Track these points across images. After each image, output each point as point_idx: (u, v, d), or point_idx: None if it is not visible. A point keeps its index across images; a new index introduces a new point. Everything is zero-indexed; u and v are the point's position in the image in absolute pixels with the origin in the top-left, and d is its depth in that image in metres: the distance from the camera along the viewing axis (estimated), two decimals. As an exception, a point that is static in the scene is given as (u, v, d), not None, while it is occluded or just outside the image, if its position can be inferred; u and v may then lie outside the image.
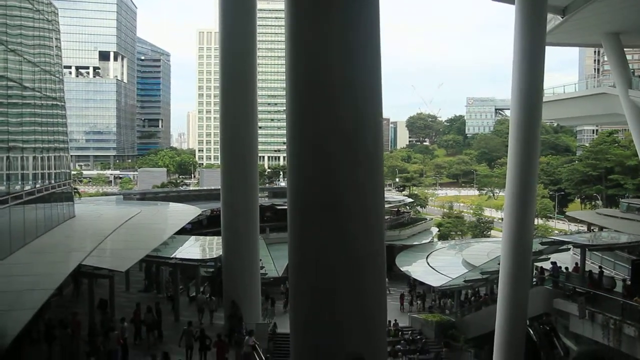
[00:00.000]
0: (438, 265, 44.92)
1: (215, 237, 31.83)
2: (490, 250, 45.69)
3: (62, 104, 29.12)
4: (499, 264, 26.88)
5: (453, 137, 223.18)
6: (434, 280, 40.32)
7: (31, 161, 23.59)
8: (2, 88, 19.90)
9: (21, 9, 22.71)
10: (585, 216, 51.68)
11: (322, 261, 9.73)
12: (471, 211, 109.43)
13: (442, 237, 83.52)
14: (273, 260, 39.26)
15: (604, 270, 27.95)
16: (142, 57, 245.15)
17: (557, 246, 30.09)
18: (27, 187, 22.68)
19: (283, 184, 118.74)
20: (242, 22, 23.47)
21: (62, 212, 27.63)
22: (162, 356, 16.70)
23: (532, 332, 28.24)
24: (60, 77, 28.85)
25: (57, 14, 28.78)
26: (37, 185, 24.09)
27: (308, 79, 9.87)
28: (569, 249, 33.44)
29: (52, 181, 26.67)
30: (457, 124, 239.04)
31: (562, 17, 35.93)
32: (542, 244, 29.51)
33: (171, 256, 26.67)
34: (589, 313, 23.35)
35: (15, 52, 21.36)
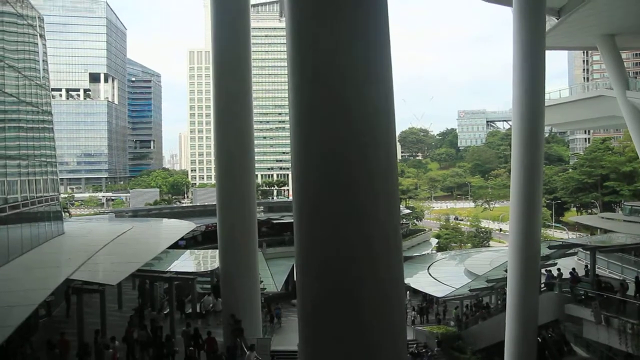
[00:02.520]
0: (440, 276, 44.01)
1: (210, 250, 30.87)
2: (493, 259, 45.01)
3: (49, 114, 28.11)
4: (505, 271, 26.06)
5: (446, 150, 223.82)
6: (437, 290, 39.37)
7: (15, 173, 22.53)
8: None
9: (2, 13, 21.82)
10: (589, 221, 51.06)
11: (335, 283, 8.78)
12: (468, 223, 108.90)
13: (441, 248, 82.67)
14: (272, 274, 38.17)
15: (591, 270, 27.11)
16: (133, 79, 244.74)
17: (565, 250, 29.20)
18: (11, 201, 21.56)
19: (276, 199, 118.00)
20: (236, 39, 22.75)
21: (50, 228, 26.50)
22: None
23: (540, 340, 27.29)
24: (47, 86, 27.91)
25: (43, 20, 27.95)
26: (23, 199, 22.99)
27: (313, 92, 9.06)
28: (575, 253, 32.60)
29: (39, 195, 25.57)
30: (449, 137, 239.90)
31: (557, 19, 35.65)
32: (550, 247, 28.58)
33: (165, 270, 25.61)
34: (605, 318, 22.38)
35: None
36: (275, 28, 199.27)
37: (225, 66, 22.62)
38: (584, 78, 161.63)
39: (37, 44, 26.90)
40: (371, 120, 8.73)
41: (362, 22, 8.57)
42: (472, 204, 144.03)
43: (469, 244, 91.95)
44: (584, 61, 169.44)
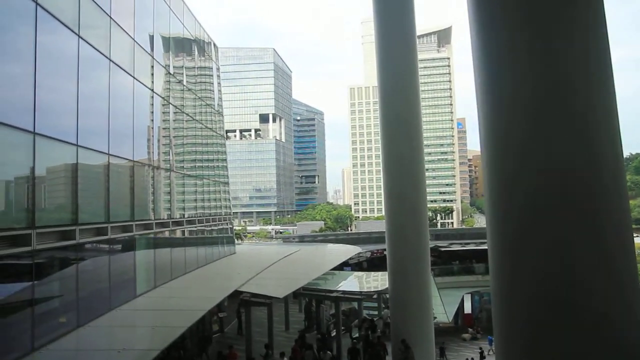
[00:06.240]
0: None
1: (373, 273, 29.75)
2: None
3: (222, 137, 29.49)
4: None
5: (630, 177, 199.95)
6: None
7: (192, 189, 23.58)
8: (170, 115, 20.10)
9: (184, 42, 23.34)
10: None
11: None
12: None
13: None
14: (443, 303, 35.63)
15: None
16: (298, 118, 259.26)
17: None
18: (188, 218, 22.43)
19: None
20: (402, 68, 22.17)
21: (222, 248, 27.38)
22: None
23: None
24: (220, 110, 29.34)
25: (217, 50, 29.68)
26: (199, 217, 23.90)
27: (516, 104, 7.76)
28: None
29: (214, 214, 26.57)
30: (634, 163, 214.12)
31: None
32: None
33: (332, 289, 24.84)
34: None
35: (180, 83, 21.72)
36: (433, 59, 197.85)
37: (393, 96, 22.12)
38: None
39: (213, 89, 28.62)
40: (594, 130, 7.20)
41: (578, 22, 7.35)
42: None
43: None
44: None
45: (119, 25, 14.93)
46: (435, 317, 31.37)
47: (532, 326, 7.21)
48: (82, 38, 12.43)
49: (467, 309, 50.23)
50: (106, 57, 13.93)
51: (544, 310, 7.07)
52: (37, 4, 10.43)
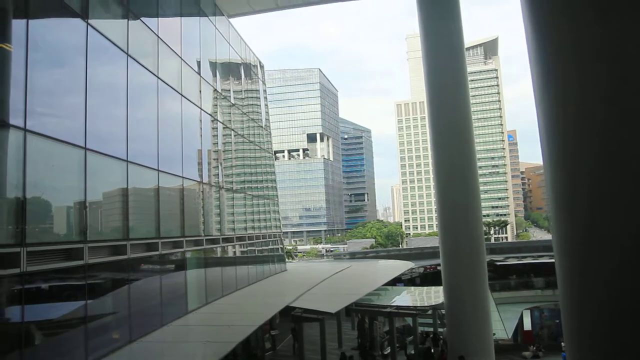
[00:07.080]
0: None
1: (425, 288, 28.98)
2: None
3: (271, 157, 29.65)
4: None
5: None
6: None
7: (244, 209, 23.71)
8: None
9: (231, 63, 23.71)
10: None
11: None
12: None
13: None
14: (502, 319, 34.33)
15: None
16: (345, 136, 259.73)
17: None
18: (238, 233, 22.49)
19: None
20: (452, 82, 21.85)
21: (273, 265, 27.34)
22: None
23: None
24: (268, 129, 29.55)
25: (264, 70, 30.05)
26: (249, 234, 23.94)
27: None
28: None
29: (264, 232, 26.58)
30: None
31: None
32: None
33: (385, 305, 24.29)
34: None
35: (229, 103, 22.03)
36: (480, 71, 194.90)
37: (443, 111, 21.81)
38: None
39: (260, 110, 28.96)
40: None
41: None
42: None
43: None
44: None
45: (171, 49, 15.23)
46: (494, 334, 30.19)
47: (614, 339, 6.62)
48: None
49: (527, 325, 48.19)
50: (155, 75, 14.17)
51: (626, 321, 6.48)
52: (88, 24, 10.69)
